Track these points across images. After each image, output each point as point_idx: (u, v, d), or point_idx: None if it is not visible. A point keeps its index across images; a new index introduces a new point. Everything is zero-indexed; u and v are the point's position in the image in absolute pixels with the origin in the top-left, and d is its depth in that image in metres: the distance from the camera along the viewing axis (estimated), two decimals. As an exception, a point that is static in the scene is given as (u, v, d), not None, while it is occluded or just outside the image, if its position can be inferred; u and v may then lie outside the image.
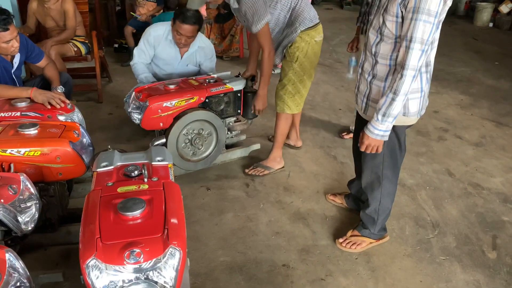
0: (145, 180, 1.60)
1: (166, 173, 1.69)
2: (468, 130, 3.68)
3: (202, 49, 3.15)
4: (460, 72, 5.25)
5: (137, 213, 1.40)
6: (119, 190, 1.55)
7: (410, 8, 1.59)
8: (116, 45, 5.56)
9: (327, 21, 7.64)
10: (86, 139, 2.17)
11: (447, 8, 1.64)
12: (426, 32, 1.59)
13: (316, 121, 3.78)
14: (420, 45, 1.61)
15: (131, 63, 3.11)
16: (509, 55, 5.99)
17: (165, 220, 1.40)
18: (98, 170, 1.69)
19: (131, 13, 5.28)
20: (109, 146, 1.93)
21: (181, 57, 3.10)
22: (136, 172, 1.65)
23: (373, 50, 1.82)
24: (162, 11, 5.06)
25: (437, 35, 1.70)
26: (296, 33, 2.60)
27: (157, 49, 3.05)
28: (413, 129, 3.52)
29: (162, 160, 1.75)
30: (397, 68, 1.70)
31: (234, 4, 2.49)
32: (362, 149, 1.88)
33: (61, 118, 2.33)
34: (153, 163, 1.73)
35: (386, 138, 1.81)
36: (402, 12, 1.64)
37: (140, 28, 5.04)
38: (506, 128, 3.74)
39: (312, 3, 6.37)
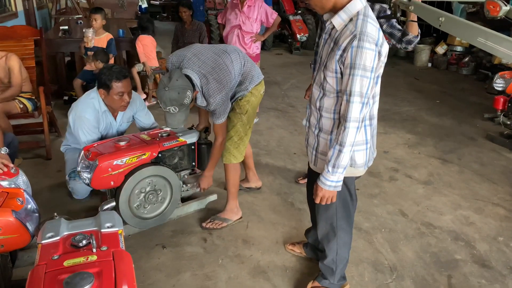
0: (94, 250, 1.53)
1: (116, 241, 1.62)
2: (417, 168, 3.83)
3: (133, 102, 2.98)
4: (405, 112, 5.52)
5: (84, 289, 1.33)
6: (66, 263, 1.47)
7: (347, 64, 1.67)
8: (66, 98, 5.39)
9: (278, 66, 7.89)
10: (31, 205, 2.05)
11: (382, 64, 1.73)
12: (364, 86, 1.67)
13: (272, 166, 3.81)
14: (359, 98, 1.68)
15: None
16: (448, 93, 6.39)
17: (115, 295, 1.34)
18: (43, 242, 1.60)
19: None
20: (55, 214, 1.84)
21: (116, 120, 3.00)
22: (84, 242, 1.58)
23: (318, 104, 1.88)
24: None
25: (377, 89, 1.80)
26: (247, 90, 2.71)
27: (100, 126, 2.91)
28: (366, 171, 3.62)
29: (112, 227, 1.69)
30: (341, 120, 1.77)
31: (202, 103, 2.54)
32: (317, 202, 1.90)
33: (4, 183, 2.19)
34: (102, 230, 1.66)
35: (339, 189, 1.85)
36: (340, 68, 1.72)
37: (90, 80, 4.96)
38: (451, 165, 3.92)
39: (263, 48, 6.62)
